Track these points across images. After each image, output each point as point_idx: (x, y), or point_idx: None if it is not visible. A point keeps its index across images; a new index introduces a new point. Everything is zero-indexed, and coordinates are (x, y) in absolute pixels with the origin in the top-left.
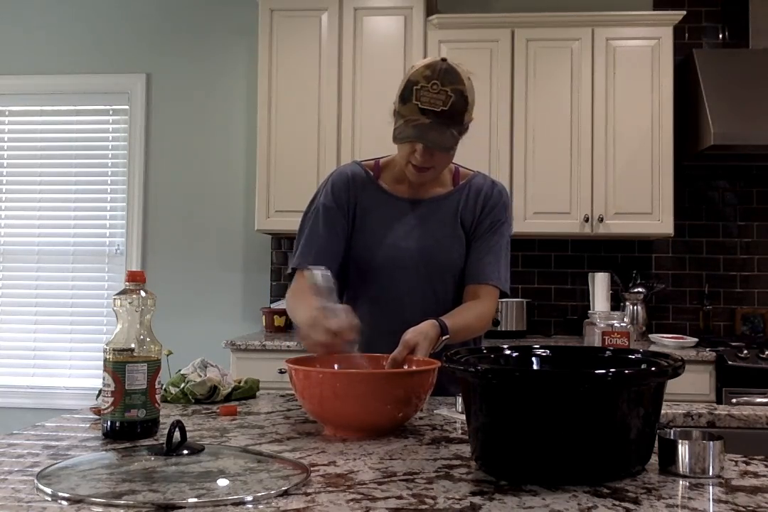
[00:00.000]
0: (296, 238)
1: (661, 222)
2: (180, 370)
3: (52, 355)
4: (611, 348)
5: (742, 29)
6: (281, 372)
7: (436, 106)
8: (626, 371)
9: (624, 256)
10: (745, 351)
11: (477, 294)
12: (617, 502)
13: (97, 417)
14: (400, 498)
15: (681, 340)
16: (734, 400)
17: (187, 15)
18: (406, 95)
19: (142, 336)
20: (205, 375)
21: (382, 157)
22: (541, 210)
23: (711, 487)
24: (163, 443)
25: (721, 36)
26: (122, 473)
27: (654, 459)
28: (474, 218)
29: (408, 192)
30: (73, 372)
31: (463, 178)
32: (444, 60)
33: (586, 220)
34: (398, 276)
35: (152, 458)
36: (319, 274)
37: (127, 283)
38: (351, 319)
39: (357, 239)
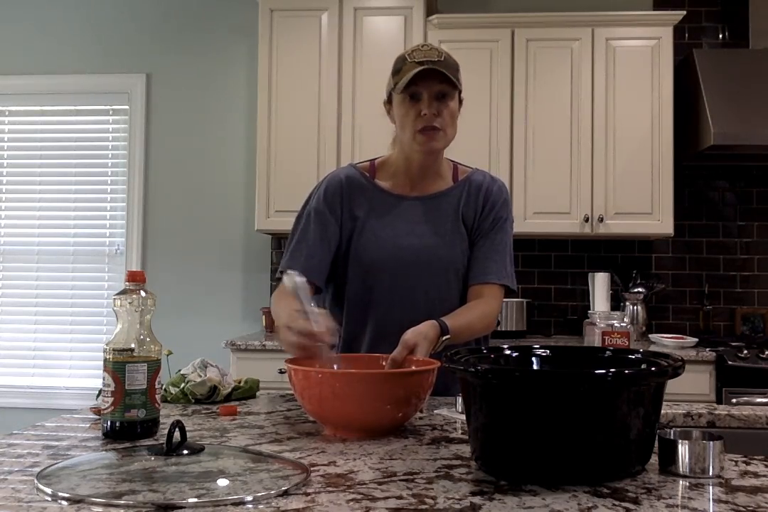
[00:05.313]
0: (287, 241)
1: (660, 222)
2: (180, 370)
3: (52, 355)
4: (611, 348)
5: (742, 29)
6: (281, 372)
7: (431, 57)
8: (626, 371)
9: (624, 256)
10: (745, 351)
11: (481, 294)
12: (617, 502)
13: (97, 417)
14: (400, 498)
15: (681, 340)
16: (734, 400)
17: (187, 15)
18: (398, 67)
19: (142, 336)
20: (205, 375)
21: (377, 158)
22: (541, 210)
23: (711, 487)
24: (163, 443)
25: (721, 36)
26: (122, 473)
27: (654, 459)
28: (476, 215)
29: (407, 189)
30: (73, 372)
31: (462, 175)
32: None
33: (586, 220)
34: (401, 275)
35: (152, 458)
36: (295, 279)
37: (127, 283)
38: (328, 322)
39: (357, 240)
